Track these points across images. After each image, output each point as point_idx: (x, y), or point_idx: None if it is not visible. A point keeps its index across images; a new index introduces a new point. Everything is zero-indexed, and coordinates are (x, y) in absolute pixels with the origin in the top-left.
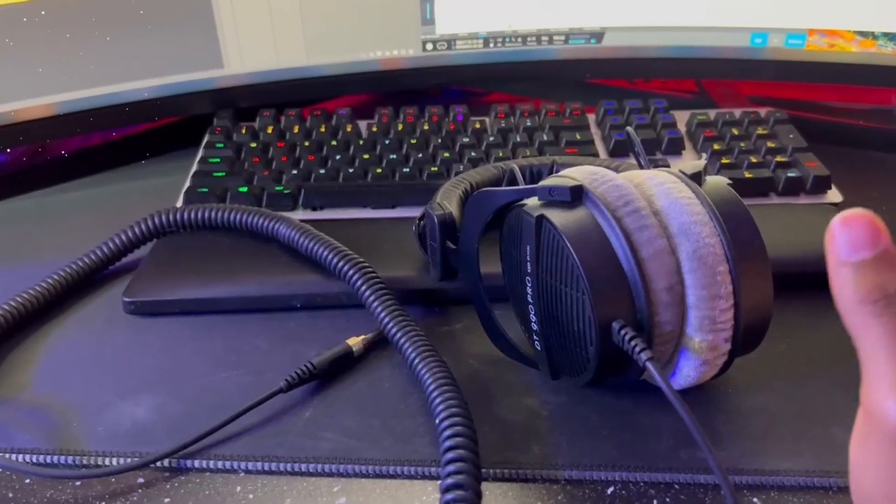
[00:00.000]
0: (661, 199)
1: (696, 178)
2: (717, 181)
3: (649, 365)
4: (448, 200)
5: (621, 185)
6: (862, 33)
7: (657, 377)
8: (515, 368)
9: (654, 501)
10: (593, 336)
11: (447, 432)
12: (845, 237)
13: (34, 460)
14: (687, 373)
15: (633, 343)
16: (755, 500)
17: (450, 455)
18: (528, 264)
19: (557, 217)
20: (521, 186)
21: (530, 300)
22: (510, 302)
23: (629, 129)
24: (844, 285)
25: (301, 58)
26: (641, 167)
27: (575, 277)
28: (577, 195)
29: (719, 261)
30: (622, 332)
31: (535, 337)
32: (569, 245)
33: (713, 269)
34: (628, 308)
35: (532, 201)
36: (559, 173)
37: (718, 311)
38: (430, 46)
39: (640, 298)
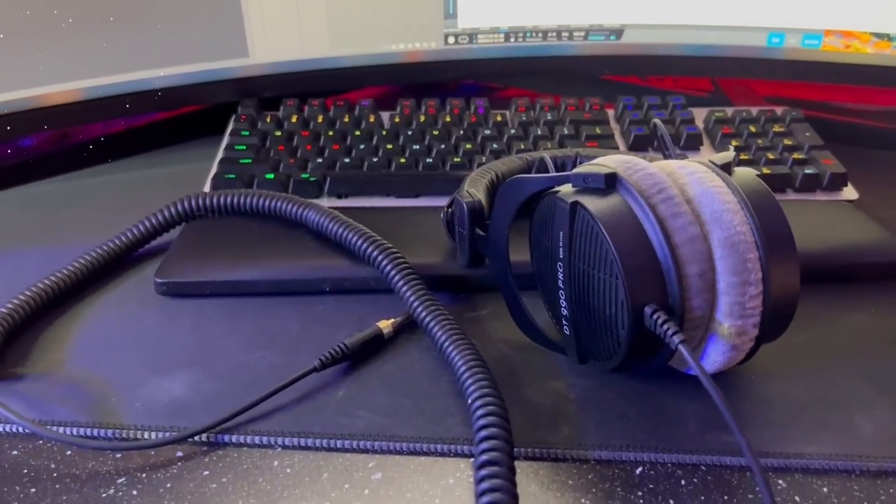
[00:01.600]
0: (694, 187)
1: (726, 168)
2: (747, 172)
3: (682, 348)
4: (476, 188)
5: (654, 173)
6: (878, 35)
7: (690, 359)
8: (541, 353)
9: (682, 482)
10: (625, 320)
11: (480, 411)
12: None
13: (75, 433)
14: (715, 358)
15: (665, 326)
16: (780, 481)
17: (483, 433)
18: (561, 250)
19: (592, 203)
20: (554, 174)
21: (561, 285)
22: (537, 288)
23: (656, 120)
24: None
25: (325, 48)
26: (669, 158)
27: (609, 262)
28: (611, 182)
29: (750, 248)
30: (655, 315)
31: (563, 322)
32: (604, 230)
33: (744, 257)
34: (661, 293)
35: (566, 188)
36: (592, 161)
37: (748, 298)
38: (451, 40)
39: (672, 283)
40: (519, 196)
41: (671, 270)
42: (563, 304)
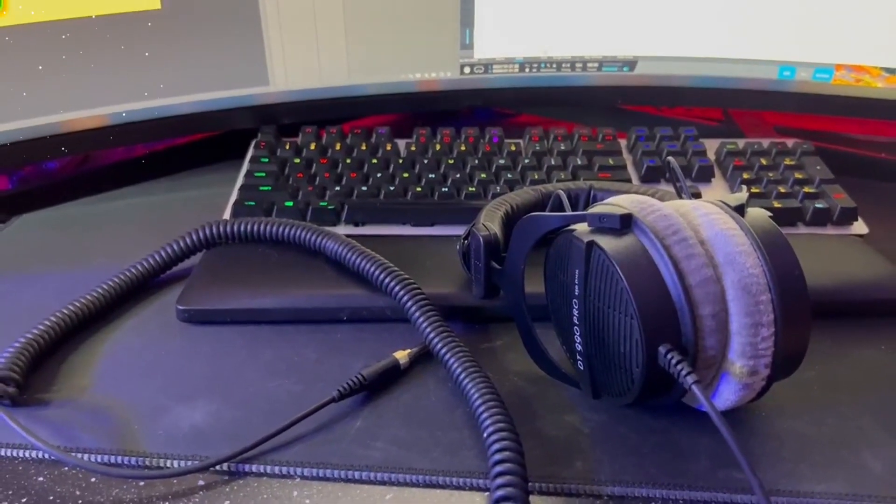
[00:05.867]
0: (707, 229)
1: (739, 209)
2: (759, 213)
3: (695, 388)
4: (491, 221)
5: (669, 214)
6: (888, 70)
7: (703, 399)
8: (555, 386)
9: None
10: (640, 358)
11: (495, 446)
12: None
13: (99, 460)
14: (727, 396)
15: (679, 366)
16: None
17: (499, 468)
18: (577, 287)
19: (608, 243)
20: (570, 213)
21: (576, 321)
22: (552, 321)
23: (671, 159)
24: None
25: (343, 77)
26: (681, 196)
27: (624, 302)
28: (626, 223)
29: (762, 290)
30: (668, 355)
31: (578, 357)
32: (619, 270)
33: (756, 298)
34: (674, 332)
35: (581, 227)
36: (606, 201)
37: (760, 339)
38: (467, 70)
39: (686, 324)
40: (536, 233)
41: (685, 311)
42: (578, 339)
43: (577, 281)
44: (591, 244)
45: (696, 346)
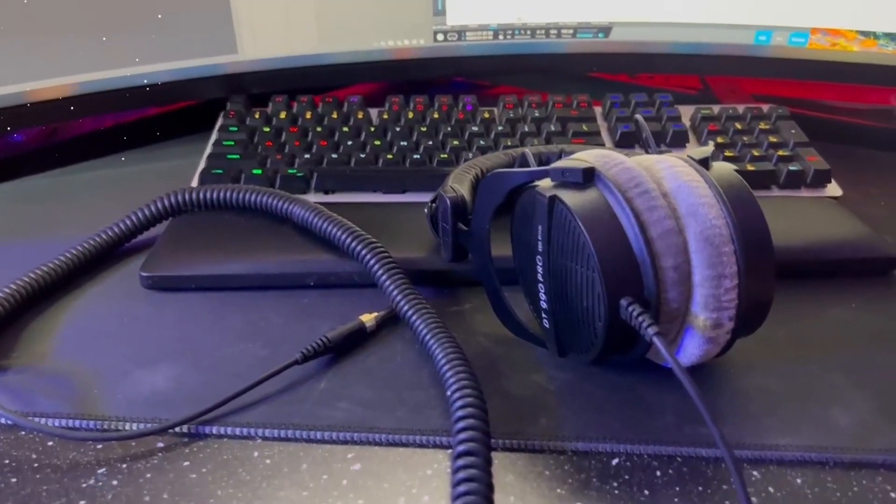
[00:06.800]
0: (670, 181)
1: (704, 163)
2: (724, 166)
3: (656, 340)
4: (460, 184)
5: (632, 167)
6: (864, 33)
7: (663, 351)
8: (523, 347)
9: (658, 473)
10: (602, 312)
11: (458, 402)
12: None
13: (57, 423)
14: (691, 350)
15: (640, 319)
16: (754, 472)
17: (461, 424)
18: (540, 244)
19: (570, 198)
20: (533, 168)
21: (540, 279)
22: (519, 282)
23: (638, 116)
24: None
25: (313, 45)
26: (647, 151)
27: (586, 256)
28: (588, 177)
29: (725, 242)
30: (630, 308)
31: (543, 315)
32: (581, 224)
33: (719, 250)
34: (637, 285)
35: (545, 182)
36: (571, 156)
37: (723, 290)
38: (440, 37)
39: (648, 276)
40: (499, 190)
41: (647, 263)
42: (543, 297)
43: (540, 237)
44: (554, 198)
45: (658, 299)
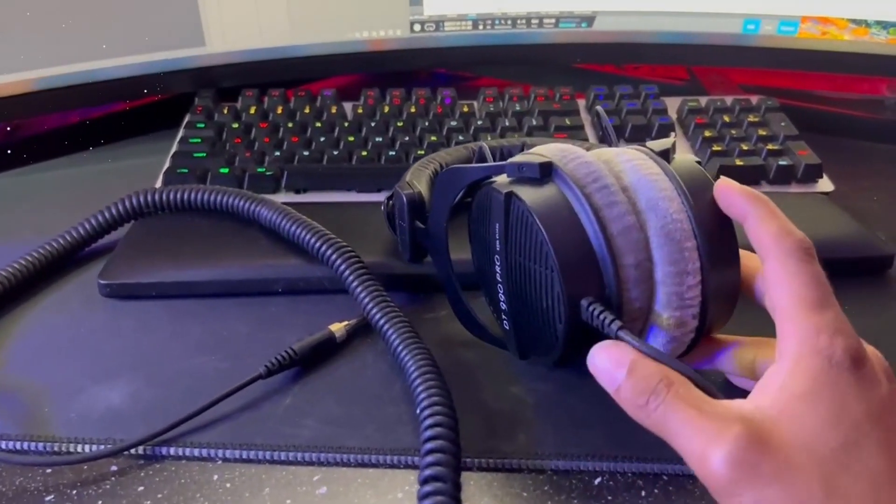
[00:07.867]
0: (630, 175)
1: (665, 154)
2: (685, 158)
3: (622, 334)
4: (417, 180)
5: (590, 161)
6: (855, 21)
7: (633, 342)
8: (502, 356)
9: (643, 493)
10: (562, 313)
11: (427, 421)
12: None
13: (3, 446)
14: None
15: (602, 317)
16: None
17: (429, 445)
18: (497, 242)
19: (527, 194)
20: (490, 164)
21: (499, 279)
22: (479, 284)
23: (599, 108)
24: None
25: (286, 36)
26: (610, 145)
27: (544, 254)
28: (546, 172)
29: (687, 237)
30: (591, 307)
31: (503, 317)
32: (538, 222)
33: (680, 246)
34: (597, 284)
35: (501, 178)
36: (529, 150)
37: (686, 288)
38: (417, 27)
39: (608, 275)
40: (456, 187)
41: (607, 261)
42: (502, 297)
43: (497, 235)
44: (510, 195)
45: (620, 298)
